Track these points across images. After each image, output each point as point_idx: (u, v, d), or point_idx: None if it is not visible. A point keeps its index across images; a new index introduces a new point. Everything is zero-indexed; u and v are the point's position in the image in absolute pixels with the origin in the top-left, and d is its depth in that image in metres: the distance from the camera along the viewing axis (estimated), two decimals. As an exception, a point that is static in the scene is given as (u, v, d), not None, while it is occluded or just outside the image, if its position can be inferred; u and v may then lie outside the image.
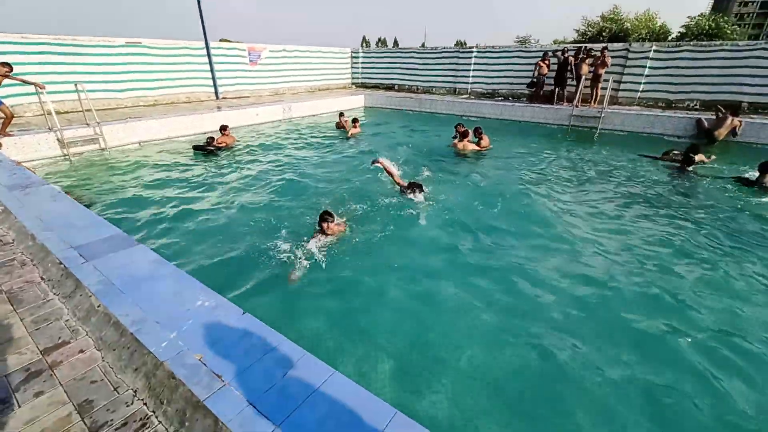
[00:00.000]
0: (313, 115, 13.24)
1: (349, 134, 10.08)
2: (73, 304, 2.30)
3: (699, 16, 27.36)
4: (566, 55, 11.74)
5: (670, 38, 27.20)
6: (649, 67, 11.47)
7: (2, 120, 6.72)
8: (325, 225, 3.90)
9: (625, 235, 4.63)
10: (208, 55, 12.45)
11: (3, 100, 6.82)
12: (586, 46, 11.96)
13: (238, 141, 8.95)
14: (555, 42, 31.16)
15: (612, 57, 11.34)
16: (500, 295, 3.46)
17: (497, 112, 12.49)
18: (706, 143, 8.81)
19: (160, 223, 4.81)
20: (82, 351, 1.99)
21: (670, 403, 2.43)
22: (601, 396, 2.47)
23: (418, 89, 16.93)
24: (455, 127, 9.13)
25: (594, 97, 11.45)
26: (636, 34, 25.81)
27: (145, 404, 1.68)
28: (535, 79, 12.71)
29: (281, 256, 3.91)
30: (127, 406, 1.68)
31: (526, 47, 14.00)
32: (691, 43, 11.18)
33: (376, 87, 18.29)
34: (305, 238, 4.14)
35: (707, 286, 3.62)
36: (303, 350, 1.84)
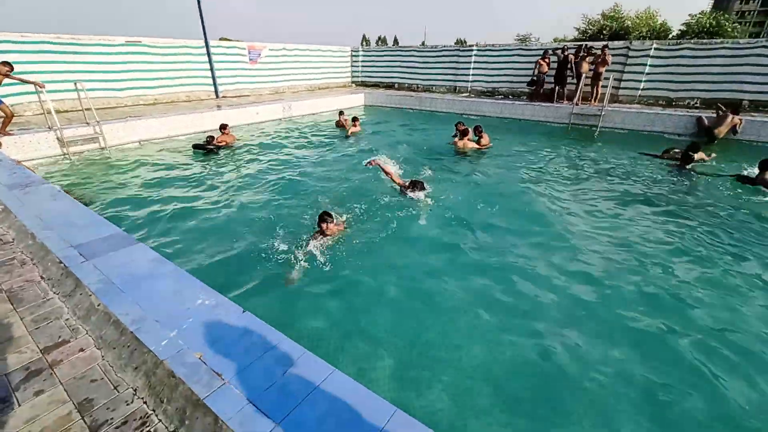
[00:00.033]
0: (313, 114, 13.23)
1: (349, 133, 10.07)
2: (73, 303, 2.30)
3: (700, 13, 27.29)
4: (566, 53, 11.72)
5: (670, 36, 27.12)
6: (650, 65, 11.45)
7: (2, 119, 6.72)
8: (324, 226, 3.90)
9: (624, 233, 4.63)
10: (208, 53, 12.43)
11: (3, 99, 6.81)
12: (586, 45, 11.94)
13: (238, 140, 8.94)
14: (555, 40, 31.11)
15: (612, 55, 11.31)
16: (500, 295, 3.45)
17: (497, 111, 12.47)
18: (706, 141, 8.80)
19: (159, 222, 4.81)
20: (82, 350, 1.99)
21: (670, 401, 2.43)
22: (601, 395, 2.47)
23: (418, 88, 16.90)
24: (455, 125, 9.12)
25: (594, 95, 11.42)
26: (637, 32, 25.74)
27: (145, 403, 1.68)
28: (535, 78, 12.68)
29: (281, 255, 3.91)
30: (127, 404, 1.68)
31: (526, 45, 13.98)
32: (692, 41, 11.15)
33: (376, 85, 18.27)
34: (304, 238, 4.14)
35: (705, 284, 3.61)
36: (303, 348, 1.84)
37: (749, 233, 4.61)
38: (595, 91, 11.38)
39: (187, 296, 2.21)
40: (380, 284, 3.55)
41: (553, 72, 12.07)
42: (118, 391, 1.74)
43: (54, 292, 2.44)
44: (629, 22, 26.42)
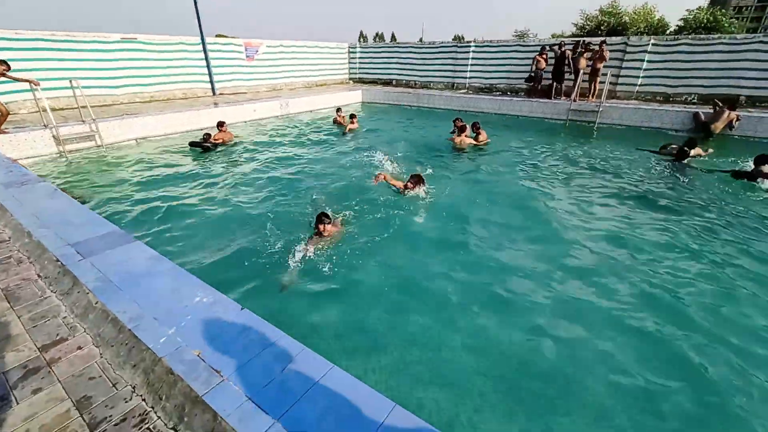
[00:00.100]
0: (311, 111, 13.19)
1: (347, 130, 10.04)
2: (71, 301, 2.29)
3: (697, 9, 27.28)
4: (563, 49, 11.70)
5: (668, 32, 27.12)
6: (648, 61, 11.45)
7: (-3, 117, 6.67)
8: (321, 227, 3.89)
9: (621, 228, 4.64)
10: (204, 50, 12.34)
11: (-3, 97, 6.77)
12: (584, 40, 11.91)
13: (235, 137, 8.90)
14: (553, 36, 31.02)
15: (610, 51, 11.32)
16: (498, 292, 3.46)
17: (495, 107, 12.46)
18: (703, 137, 8.82)
19: (156, 220, 4.79)
20: (80, 348, 1.98)
21: (668, 400, 2.44)
22: (597, 391, 2.48)
23: (416, 84, 16.86)
24: (453, 121, 9.11)
25: (592, 91, 11.43)
26: (634, 28, 25.73)
27: (143, 400, 1.68)
28: (533, 74, 12.66)
29: (278, 253, 3.90)
30: (126, 401, 1.68)
31: (524, 42, 13.95)
32: (689, 36, 11.17)
33: (373, 82, 18.21)
34: (302, 237, 4.12)
35: (700, 278, 3.63)
36: (302, 345, 1.84)
37: (744, 227, 4.63)
38: (592, 87, 11.39)
39: (185, 294, 2.20)
40: (378, 282, 3.55)
41: (551, 68, 12.05)
42: (117, 389, 1.74)
43: (51, 291, 2.43)
44: (627, 18, 26.39)
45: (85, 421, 1.59)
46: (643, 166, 7.12)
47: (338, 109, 11.32)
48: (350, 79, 19.14)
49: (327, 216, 3.96)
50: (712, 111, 9.20)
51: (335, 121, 11.02)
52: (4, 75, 6.74)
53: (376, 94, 15.57)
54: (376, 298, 3.35)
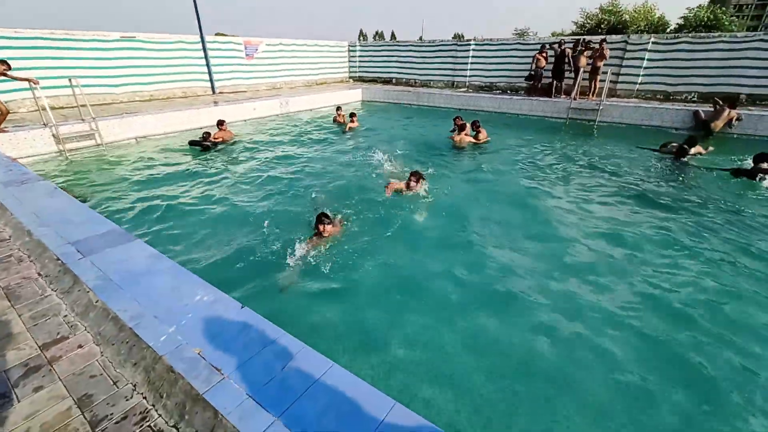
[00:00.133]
0: (311, 110, 13.18)
1: (347, 128, 10.03)
2: (72, 300, 2.29)
3: (697, 7, 27.22)
4: (563, 47, 11.68)
5: (668, 30, 27.07)
6: (648, 59, 11.43)
7: (-3, 116, 6.67)
8: (321, 227, 3.87)
9: (621, 226, 4.64)
10: (204, 49, 12.32)
11: (-3, 96, 6.76)
12: (584, 39, 11.89)
13: (235, 136, 8.90)
14: (554, 34, 30.99)
15: (610, 49, 11.30)
16: (498, 290, 3.46)
17: (495, 106, 12.45)
18: (703, 135, 8.82)
19: (156, 219, 4.79)
20: (80, 346, 1.99)
21: (668, 399, 2.45)
22: (599, 391, 2.48)
23: (415, 83, 16.84)
24: (453, 120, 9.11)
25: (592, 89, 11.42)
26: (634, 26, 25.69)
27: (144, 398, 1.69)
28: (533, 72, 12.65)
29: (278, 252, 3.90)
30: (127, 399, 1.68)
31: (524, 40, 13.92)
32: (690, 34, 11.14)
33: (373, 81, 18.19)
34: (302, 237, 4.11)
35: (698, 276, 3.63)
36: (302, 343, 1.85)
37: (744, 225, 4.64)
38: (593, 86, 11.37)
39: (185, 292, 2.21)
40: (378, 281, 3.55)
41: (551, 66, 12.04)
42: (118, 387, 1.74)
43: (52, 289, 2.44)
44: (627, 16, 26.36)
45: (86, 419, 1.59)
46: (643, 165, 7.12)
47: (338, 108, 11.31)
48: (350, 77, 19.11)
49: (327, 216, 3.95)
50: (712, 109, 9.19)
51: (335, 120, 11.01)
52: (4, 74, 6.75)
53: (376, 93, 15.55)
54: (377, 297, 3.35)
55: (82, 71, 9.57)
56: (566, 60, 11.59)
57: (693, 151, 7.27)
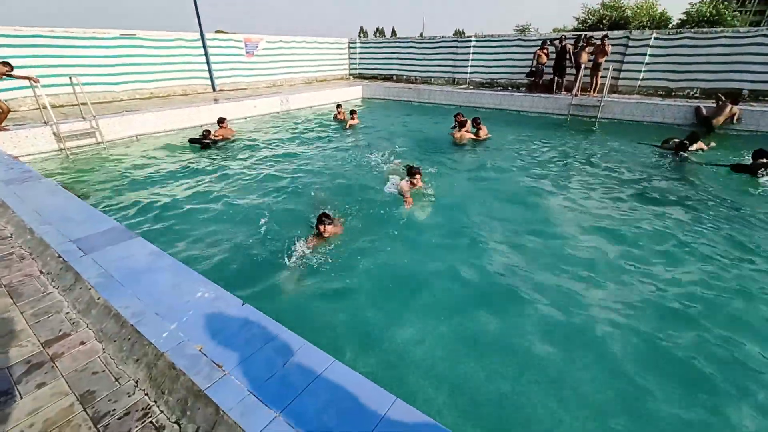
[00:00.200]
0: (311, 107, 13.15)
1: (347, 126, 10.02)
2: (73, 297, 2.30)
3: (700, 2, 27.02)
4: (564, 43, 11.62)
5: (670, 25, 26.90)
6: (650, 55, 11.37)
7: (-2, 114, 6.68)
8: (322, 228, 3.84)
9: (621, 222, 4.63)
10: (204, 46, 12.30)
11: (-2, 94, 6.77)
12: (586, 34, 11.83)
13: (235, 133, 8.89)
14: (555, 30, 30.84)
15: (612, 45, 11.23)
16: (498, 288, 3.47)
17: (496, 102, 12.40)
18: (704, 131, 8.78)
19: (157, 216, 4.80)
20: (83, 343, 2.00)
21: (668, 399, 2.45)
22: (599, 391, 2.48)
23: (416, 80, 16.79)
24: (454, 116, 9.09)
25: (594, 85, 11.36)
26: (636, 22, 25.53)
27: (146, 394, 1.70)
28: (534, 69, 12.59)
29: (278, 251, 3.90)
30: (129, 396, 1.69)
31: (525, 36, 13.85)
32: (692, 30, 11.06)
33: (374, 78, 18.14)
34: (303, 235, 4.11)
35: (697, 272, 3.63)
36: (303, 340, 1.85)
37: (742, 221, 4.63)
38: (594, 82, 11.32)
39: (186, 289, 2.21)
40: (379, 279, 3.55)
41: (552, 63, 11.98)
42: (120, 383, 1.75)
43: (54, 287, 2.45)
44: (629, 12, 26.19)
45: (88, 415, 1.60)
46: (643, 161, 7.10)
47: (338, 105, 11.30)
48: (350, 74, 19.06)
49: (328, 216, 3.92)
50: (714, 105, 9.15)
51: (335, 117, 11.00)
52: (8, 75, 6.79)
53: (376, 90, 15.51)
54: (377, 296, 3.35)
55: (83, 69, 9.56)
56: (567, 56, 11.54)
57: (694, 147, 7.25)
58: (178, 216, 4.82)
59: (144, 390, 1.72)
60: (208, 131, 8.12)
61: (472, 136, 8.50)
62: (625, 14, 25.99)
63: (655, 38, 11.19)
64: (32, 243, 2.88)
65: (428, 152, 7.72)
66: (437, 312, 3.14)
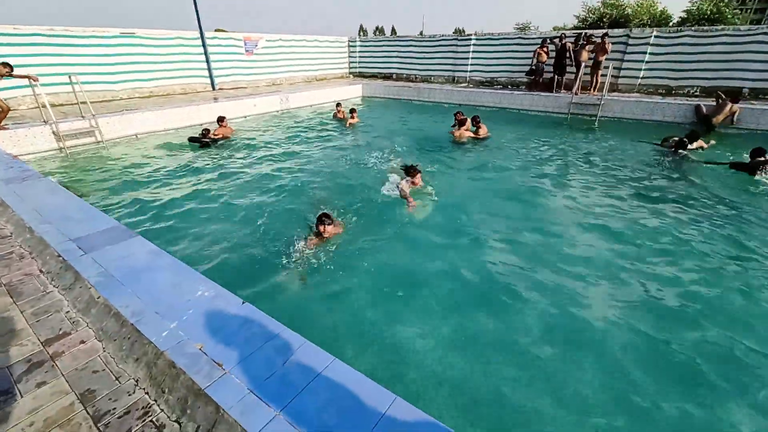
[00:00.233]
0: (311, 106, 13.13)
1: (347, 124, 10.01)
2: (73, 296, 2.30)
3: (700, 0, 26.96)
4: (564, 41, 11.60)
5: (671, 24, 26.83)
6: (650, 53, 11.35)
7: (-2, 113, 6.68)
8: (322, 228, 3.82)
9: (620, 220, 4.63)
10: (203, 45, 12.27)
11: (-3, 94, 6.77)
12: (586, 33, 11.81)
13: (235, 132, 8.88)
14: (555, 29, 30.77)
15: (612, 43, 11.20)
16: (498, 286, 3.47)
17: (496, 101, 12.39)
18: (704, 130, 8.77)
19: (157, 215, 4.80)
20: (83, 342, 2.00)
21: (668, 397, 2.45)
22: (599, 390, 2.48)
23: (416, 78, 16.76)
24: (454, 115, 9.08)
25: (594, 84, 11.34)
26: (637, 20, 25.47)
27: (146, 393, 1.70)
28: (534, 67, 12.57)
29: (278, 250, 3.90)
30: (129, 395, 1.69)
31: (525, 34, 13.83)
32: (693, 28, 11.03)
33: (374, 76, 18.11)
34: (302, 236, 4.11)
35: (695, 270, 3.63)
36: (303, 338, 1.85)
37: (740, 218, 4.63)
38: (594, 80, 11.30)
39: (186, 288, 2.21)
40: (379, 279, 3.54)
41: (552, 61, 11.96)
42: (120, 382, 1.75)
43: (53, 286, 2.45)
44: (629, 10, 26.12)
45: (89, 413, 1.60)
46: (643, 159, 7.10)
47: (338, 104, 11.29)
48: (350, 73, 19.03)
49: (328, 217, 3.90)
50: (714, 104, 9.14)
51: (335, 116, 10.99)
52: (9, 75, 6.78)
53: (376, 89, 15.49)
54: (377, 295, 3.35)
55: (82, 68, 9.55)
56: (567, 54, 11.52)
57: (694, 145, 7.25)
58: (178, 215, 4.82)
59: (144, 389, 1.72)
60: (208, 130, 8.11)
61: (472, 135, 8.50)
62: (626, 12, 25.92)
63: (656, 36, 11.16)
64: (32, 242, 2.88)
65: (428, 151, 7.71)
66: (437, 311, 3.14)
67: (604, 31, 11.71)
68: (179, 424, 1.55)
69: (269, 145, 8.22)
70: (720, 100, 9.01)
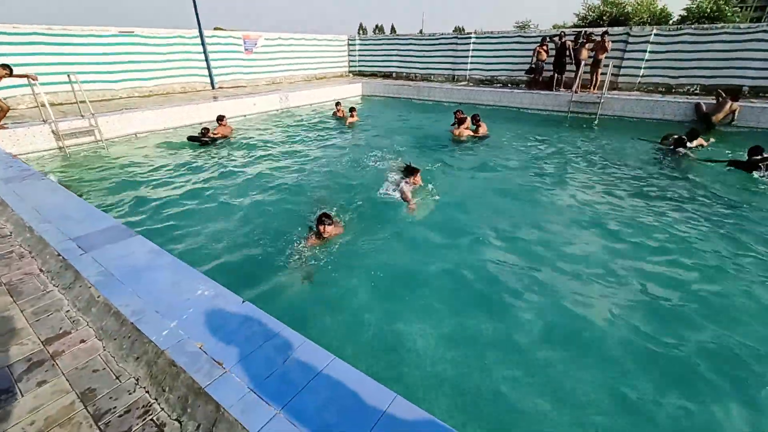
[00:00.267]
0: (311, 104, 13.12)
1: (347, 123, 10.00)
2: (73, 295, 2.30)
3: (700, -2, 26.90)
4: (564, 39, 11.58)
5: (671, 22, 26.78)
6: (650, 52, 11.34)
7: (-3, 113, 6.67)
8: (322, 228, 3.80)
9: (618, 219, 4.62)
10: (203, 44, 12.25)
11: (-4, 93, 6.76)
12: (586, 31, 11.79)
13: (234, 131, 8.87)
14: (555, 27, 30.72)
15: (612, 41, 11.19)
16: (496, 286, 3.46)
17: (496, 99, 12.38)
18: (704, 128, 8.77)
19: (156, 214, 4.80)
20: (83, 341, 2.00)
21: (666, 398, 2.45)
22: (599, 389, 2.49)
23: (416, 77, 16.74)
24: (454, 113, 9.07)
25: (594, 82, 11.33)
26: (637, 18, 25.42)
27: (147, 392, 1.70)
28: (534, 65, 12.56)
29: (278, 251, 3.90)
30: (130, 394, 1.69)
31: (525, 33, 13.81)
32: (693, 26, 11.03)
33: (373, 75, 18.09)
34: (302, 233, 4.10)
35: (694, 269, 3.64)
36: (303, 337, 1.85)
37: (738, 216, 4.64)
38: (594, 79, 11.29)
39: (186, 287, 2.21)
40: (379, 278, 3.53)
41: (552, 59, 11.94)
42: (120, 381, 1.76)
43: (53, 285, 2.44)
44: (629, 8, 26.07)
45: (89, 412, 1.60)
46: (642, 157, 7.10)
47: (337, 103, 11.28)
48: (350, 71, 19.00)
49: (328, 217, 3.89)
50: (714, 102, 9.13)
51: (335, 115, 10.98)
52: (9, 76, 6.78)
53: (376, 87, 15.47)
54: (378, 294, 3.34)
55: (81, 67, 9.53)
56: (567, 53, 11.50)
57: (694, 143, 7.24)
58: (178, 214, 4.82)
59: (144, 388, 1.72)
60: (207, 129, 8.10)
61: (472, 133, 8.49)
62: (626, 10, 25.87)
63: (656, 34, 11.15)
64: (32, 241, 2.88)
65: (428, 149, 7.71)
66: (437, 310, 3.14)
67: (604, 29, 11.69)
68: (180, 422, 1.55)
69: (269, 144, 8.21)
70: (720, 99, 9.01)
